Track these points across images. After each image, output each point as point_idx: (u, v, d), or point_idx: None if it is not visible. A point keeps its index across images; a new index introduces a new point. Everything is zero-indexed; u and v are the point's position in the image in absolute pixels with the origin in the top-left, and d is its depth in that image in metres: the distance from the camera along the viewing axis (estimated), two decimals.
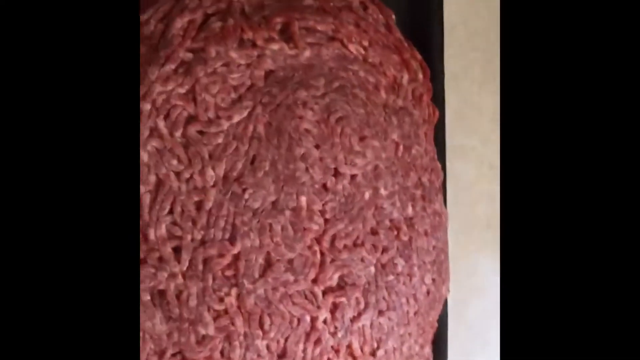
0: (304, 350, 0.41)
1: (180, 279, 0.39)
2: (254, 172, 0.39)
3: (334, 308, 0.41)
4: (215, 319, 0.39)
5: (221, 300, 0.39)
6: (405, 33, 0.47)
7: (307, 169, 0.40)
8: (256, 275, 0.39)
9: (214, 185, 0.39)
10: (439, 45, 0.49)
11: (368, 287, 0.42)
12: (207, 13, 0.41)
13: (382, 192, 0.42)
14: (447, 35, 0.49)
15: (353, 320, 0.42)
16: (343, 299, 0.41)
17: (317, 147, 0.40)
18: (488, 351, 0.53)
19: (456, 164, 0.51)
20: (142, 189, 0.39)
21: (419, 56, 0.46)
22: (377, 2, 0.45)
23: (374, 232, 0.42)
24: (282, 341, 0.40)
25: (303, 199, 0.40)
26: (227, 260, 0.39)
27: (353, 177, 0.41)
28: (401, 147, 0.44)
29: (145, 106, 0.39)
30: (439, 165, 0.47)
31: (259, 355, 0.40)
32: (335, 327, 0.41)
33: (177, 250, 0.39)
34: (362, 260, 0.42)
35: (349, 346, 0.42)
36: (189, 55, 0.40)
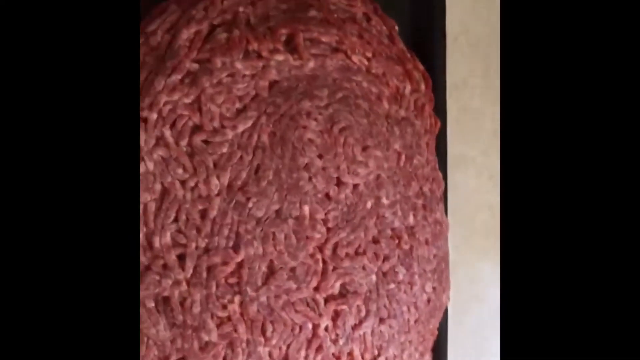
0: (306, 357, 0.41)
1: (184, 286, 0.39)
2: (258, 181, 0.40)
3: (336, 315, 0.42)
4: (218, 325, 0.40)
5: (224, 307, 0.40)
6: (408, 44, 0.47)
7: (310, 179, 0.41)
8: (259, 282, 0.40)
9: (218, 194, 0.40)
10: (441, 56, 0.49)
11: (369, 295, 0.42)
12: (213, 24, 0.41)
13: (384, 201, 0.43)
14: (449, 46, 0.50)
15: (354, 327, 0.42)
16: (344, 307, 0.42)
17: (320, 156, 0.41)
18: (488, 359, 0.53)
19: (457, 173, 0.52)
20: (148, 197, 0.39)
21: (421, 67, 0.47)
22: (380, 13, 0.46)
23: (375, 241, 0.43)
24: (284, 348, 0.41)
25: (306, 208, 0.41)
26: (230, 268, 0.40)
27: (355, 186, 0.42)
28: (403, 157, 0.44)
29: (152, 115, 0.39)
30: (440, 175, 0.47)
31: None
32: (337, 335, 0.41)
33: (181, 258, 0.40)
34: (364, 268, 0.42)
35: (350, 353, 0.42)
36: (195, 66, 0.40)
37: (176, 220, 0.40)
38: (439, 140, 0.48)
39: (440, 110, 0.48)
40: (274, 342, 0.40)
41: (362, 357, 0.42)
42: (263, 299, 0.40)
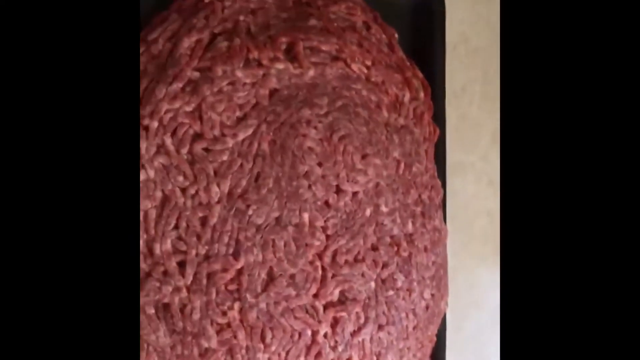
0: None
1: (184, 293, 0.40)
2: (258, 189, 0.40)
3: (335, 322, 0.42)
4: (218, 332, 0.40)
5: (224, 314, 0.40)
6: (407, 51, 0.47)
7: (309, 186, 0.41)
8: (259, 289, 0.40)
9: (218, 202, 0.40)
10: (440, 64, 0.49)
11: (368, 302, 0.43)
12: (213, 33, 0.41)
13: (383, 209, 0.43)
14: (448, 54, 0.50)
15: (353, 334, 0.42)
16: (343, 314, 0.42)
17: (319, 164, 0.41)
18: None
19: (455, 180, 0.52)
20: (149, 204, 0.40)
21: (420, 75, 0.47)
22: (380, 22, 0.46)
23: (374, 248, 0.43)
24: (283, 354, 0.41)
25: (305, 216, 0.41)
26: (230, 274, 0.40)
27: (355, 194, 0.42)
28: (402, 165, 0.44)
29: (153, 124, 0.40)
30: (439, 183, 0.47)
31: None
32: (336, 341, 0.42)
33: (181, 265, 0.40)
34: (363, 275, 0.42)
35: None
36: (196, 74, 0.40)
37: (177, 227, 0.40)
38: (438, 148, 0.48)
39: (439, 117, 0.48)
40: (273, 348, 0.40)
41: None
42: (262, 305, 0.40)
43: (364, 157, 0.42)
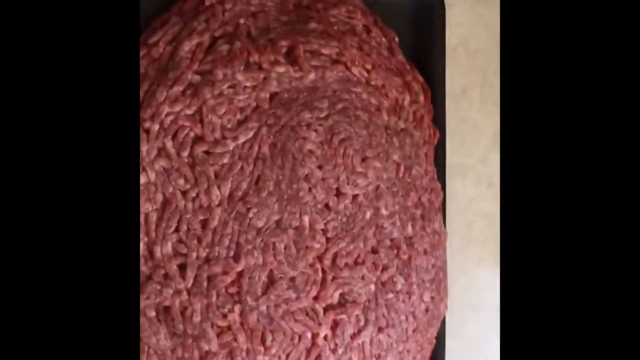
0: None
1: (185, 296, 0.40)
2: (259, 192, 0.40)
3: (335, 325, 0.42)
4: (218, 335, 0.40)
5: (224, 316, 0.40)
6: (407, 55, 0.47)
7: (310, 189, 0.41)
8: (259, 292, 0.40)
9: (219, 205, 0.40)
10: (440, 67, 0.49)
11: (368, 305, 0.43)
12: (214, 36, 0.41)
13: (383, 211, 0.43)
14: (448, 57, 0.50)
15: (353, 337, 0.42)
16: (343, 316, 0.42)
17: (320, 167, 0.41)
18: None
19: (455, 182, 0.52)
20: (149, 207, 0.40)
21: (420, 78, 0.47)
22: (380, 25, 0.46)
23: (374, 251, 0.43)
24: (283, 357, 0.41)
25: (306, 218, 0.41)
26: (231, 277, 0.40)
27: (355, 197, 0.42)
28: (402, 168, 0.44)
29: (154, 127, 0.40)
30: (439, 186, 0.48)
31: None
32: (336, 344, 0.42)
33: (182, 268, 0.40)
34: (363, 278, 0.42)
35: None
36: (197, 78, 0.40)
37: (177, 230, 0.40)
38: (438, 151, 0.48)
39: (439, 120, 0.48)
40: (273, 351, 0.41)
41: None
42: (263, 308, 0.40)
43: (364, 160, 0.43)
